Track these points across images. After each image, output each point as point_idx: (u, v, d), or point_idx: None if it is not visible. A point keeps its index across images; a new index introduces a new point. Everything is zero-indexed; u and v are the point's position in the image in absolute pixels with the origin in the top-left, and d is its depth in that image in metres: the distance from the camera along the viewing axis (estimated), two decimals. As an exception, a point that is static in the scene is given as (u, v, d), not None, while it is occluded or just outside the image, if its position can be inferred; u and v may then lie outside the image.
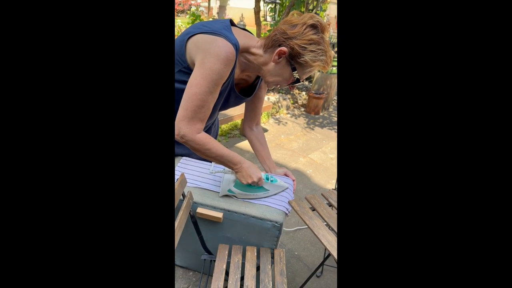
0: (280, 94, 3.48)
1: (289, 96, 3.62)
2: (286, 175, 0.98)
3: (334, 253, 0.63)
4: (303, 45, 0.68)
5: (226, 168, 0.81)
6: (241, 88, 0.91)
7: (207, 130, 1.06)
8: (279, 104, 3.26)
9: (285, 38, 0.69)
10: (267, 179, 0.84)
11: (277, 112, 3.20)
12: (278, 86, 0.80)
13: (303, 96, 3.75)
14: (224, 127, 2.64)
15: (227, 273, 0.78)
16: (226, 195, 0.86)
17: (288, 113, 3.29)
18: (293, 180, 0.97)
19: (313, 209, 0.82)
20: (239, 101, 0.90)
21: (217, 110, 0.90)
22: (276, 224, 0.81)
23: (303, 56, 0.69)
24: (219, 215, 0.82)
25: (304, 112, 3.38)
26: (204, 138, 0.72)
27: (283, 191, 0.88)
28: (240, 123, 2.57)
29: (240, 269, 0.79)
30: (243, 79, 0.88)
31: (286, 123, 3.02)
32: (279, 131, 2.80)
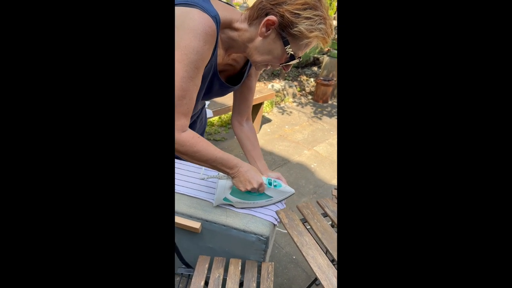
0: (286, 81, 3.29)
1: (296, 83, 3.43)
2: (279, 179, 0.86)
3: (325, 283, 0.51)
4: (295, 11, 0.53)
5: (221, 173, 0.69)
6: (227, 77, 0.78)
7: (191, 125, 0.93)
8: (285, 92, 3.08)
9: (273, 4, 0.54)
10: (270, 184, 0.71)
11: (282, 100, 3.04)
12: (269, 67, 0.65)
13: (311, 83, 3.54)
14: (224, 117, 2.51)
15: (205, 291, 0.68)
16: (222, 204, 0.74)
17: (294, 102, 3.11)
18: None
19: (305, 221, 0.69)
20: (224, 90, 0.77)
21: (200, 100, 0.77)
22: (261, 238, 0.69)
23: (296, 25, 0.54)
24: (196, 225, 0.72)
25: (311, 100, 3.19)
26: (191, 138, 0.59)
27: (288, 197, 0.76)
28: (241, 113, 2.43)
29: (220, 286, 0.69)
30: (229, 64, 0.74)
31: (291, 112, 2.85)
32: (283, 121, 2.65)
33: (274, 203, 0.75)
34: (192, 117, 0.90)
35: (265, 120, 2.61)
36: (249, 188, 0.66)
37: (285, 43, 0.58)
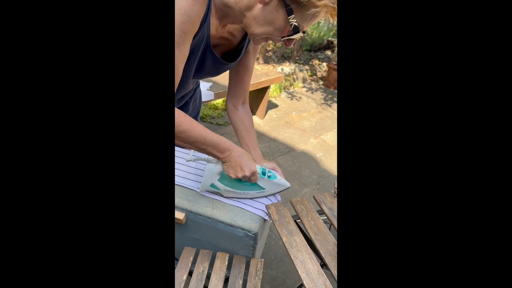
0: (297, 64, 3.13)
1: (307, 67, 3.27)
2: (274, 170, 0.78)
3: (312, 292, 0.45)
4: None
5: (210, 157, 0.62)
6: (222, 53, 0.69)
7: (183, 106, 0.86)
8: (294, 76, 2.93)
9: None
10: (263, 174, 0.64)
11: (291, 85, 2.90)
12: (269, 41, 0.57)
13: (323, 68, 3.37)
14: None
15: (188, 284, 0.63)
16: (209, 192, 0.68)
17: (304, 87, 2.97)
18: None
19: (298, 218, 0.62)
20: (219, 67, 0.68)
21: (191, 77, 0.69)
22: (249, 234, 0.63)
23: None
24: (180, 216, 0.66)
25: (322, 86, 3.04)
26: (177, 116, 0.52)
27: (283, 191, 0.69)
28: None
29: (203, 282, 0.64)
30: (224, 38, 0.65)
31: (300, 98, 2.73)
32: (291, 107, 2.54)
33: (266, 196, 0.68)
34: (183, 97, 0.82)
35: (272, 105, 2.51)
36: (240, 175, 0.60)
37: (289, 12, 0.49)
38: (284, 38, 0.54)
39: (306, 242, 0.53)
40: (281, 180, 0.67)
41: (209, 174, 0.63)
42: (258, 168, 0.63)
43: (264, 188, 0.66)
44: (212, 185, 0.65)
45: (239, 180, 0.63)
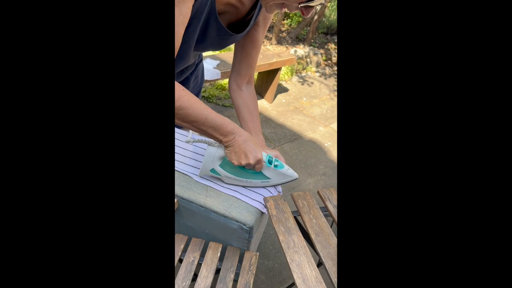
0: (312, 47, 2.96)
1: (322, 51, 3.09)
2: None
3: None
4: None
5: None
6: (228, 23, 0.60)
7: (183, 82, 0.78)
8: (308, 59, 2.78)
9: None
10: (270, 162, 0.57)
11: (303, 69, 2.76)
12: (284, 9, 0.49)
13: (339, 53, 3.19)
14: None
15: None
16: (209, 177, 0.62)
17: (317, 71, 2.82)
18: None
19: (298, 215, 0.56)
20: (223, 38, 0.60)
21: (192, 48, 0.61)
22: (244, 227, 0.58)
23: None
24: (172, 202, 0.61)
25: (336, 72, 2.88)
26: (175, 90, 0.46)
27: (289, 182, 0.63)
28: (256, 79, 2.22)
29: (192, 273, 0.60)
30: (231, 5, 0.56)
31: (312, 83, 2.60)
32: (302, 92, 2.42)
33: (271, 186, 0.62)
34: (183, 72, 0.75)
35: (281, 89, 2.40)
36: (243, 163, 0.53)
37: None
38: (301, 5, 0.45)
39: (305, 243, 0.47)
40: (288, 170, 0.60)
41: (209, 158, 0.56)
42: (264, 156, 0.56)
43: (269, 178, 0.60)
44: (213, 170, 0.59)
45: (242, 167, 0.57)
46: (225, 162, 0.57)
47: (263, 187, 0.62)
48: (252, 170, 0.58)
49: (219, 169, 0.58)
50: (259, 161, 0.54)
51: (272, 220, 0.52)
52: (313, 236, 0.50)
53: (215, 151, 0.56)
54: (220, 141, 0.53)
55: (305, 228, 0.53)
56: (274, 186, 0.63)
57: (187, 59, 0.65)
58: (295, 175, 0.61)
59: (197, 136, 0.65)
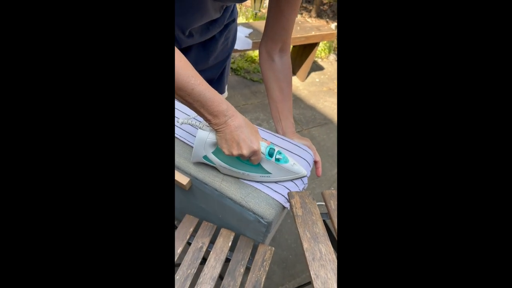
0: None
1: (366, 28, 2.77)
2: (308, 147, 0.60)
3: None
4: None
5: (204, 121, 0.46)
6: None
7: (210, 41, 0.67)
8: (349, 37, 2.51)
9: None
10: (270, 155, 0.47)
11: (343, 47, 2.50)
12: None
13: (386, 32, 2.84)
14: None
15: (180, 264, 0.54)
16: (202, 163, 0.54)
17: (358, 52, 2.54)
18: (316, 162, 0.59)
19: (329, 218, 0.47)
20: None
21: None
22: (261, 220, 0.50)
23: None
24: (184, 180, 0.54)
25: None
26: None
27: (297, 179, 0.53)
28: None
29: (199, 260, 0.55)
30: None
31: (350, 64, 2.35)
32: (338, 72, 2.20)
33: (272, 182, 0.52)
34: (208, 28, 0.61)
35: (316, 67, 2.19)
36: (235, 153, 0.43)
37: None
38: None
39: (335, 256, 0.38)
40: (294, 166, 0.49)
41: (200, 144, 0.47)
42: (263, 147, 0.46)
43: (270, 173, 0.50)
44: (205, 157, 0.49)
45: (238, 157, 0.48)
46: (219, 150, 0.48)
47: (264, 182, 0.52)
48: (248, 161, 0.48)
49: (212, 157, 0.49)
50: (254, 153, 0.43)
51: (297, 222, 0.43)
52: (345, 248, 0.41)
53: (206, 135, 0.46)
54: (209, 122, 0.42)
55: (335, 236, 0.43)
56: (276, 182, 0.52)
57: (205, 10, 0.53)
58: (303, 171, 0.51)
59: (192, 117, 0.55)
